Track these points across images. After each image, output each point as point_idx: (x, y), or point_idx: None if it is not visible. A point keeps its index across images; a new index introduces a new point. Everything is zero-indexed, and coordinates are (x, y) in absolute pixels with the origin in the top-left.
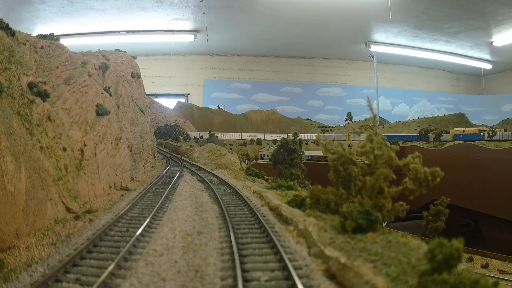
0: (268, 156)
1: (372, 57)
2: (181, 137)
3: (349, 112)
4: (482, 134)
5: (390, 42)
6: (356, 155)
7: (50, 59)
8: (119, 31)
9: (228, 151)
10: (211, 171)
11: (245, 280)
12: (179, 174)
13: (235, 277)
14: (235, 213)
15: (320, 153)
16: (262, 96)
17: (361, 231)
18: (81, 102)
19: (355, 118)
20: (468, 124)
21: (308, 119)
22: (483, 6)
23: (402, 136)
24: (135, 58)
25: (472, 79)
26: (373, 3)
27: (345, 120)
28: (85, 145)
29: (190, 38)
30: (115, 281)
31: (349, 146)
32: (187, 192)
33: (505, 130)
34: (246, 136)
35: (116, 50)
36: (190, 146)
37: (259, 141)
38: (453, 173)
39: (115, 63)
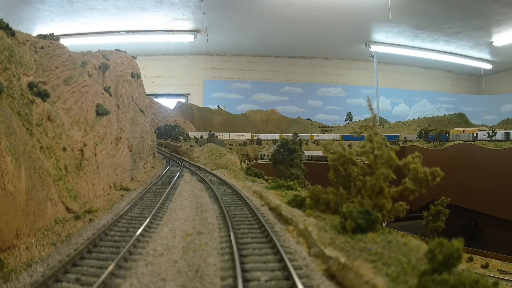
0: (268, 156)
1: (372, 57)
2: (181, 137)
3: (349, 112)
4: (447, 135)
5: (390, 42)
6: (356, 155)
7: (50, 59)
8: (119, 31)
9: (228, 151)
10: (211, 171)
11: (245, 280)
12: (179, 174)
13: (235, 277)
14: (235, 213)
15: (320, 153)
16: (262, 96)
17: (361, 231)
18: (81, 102)
19: (355, 118)
20: (468, 124)
21: (308, 119)
22: (483, 6)
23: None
24: (135, 58)
25: (472, 79)
26: (373, 3)
27: (345, 120)
28: (85, 145)
29: (190, 38)
30: (115, 281)
31: (349, 146)
32: (187, 192)
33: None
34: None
35: (116, 50)
36: (190, 146)
37: (259, 141)
38: (453, 173)
39: (115, 63)
